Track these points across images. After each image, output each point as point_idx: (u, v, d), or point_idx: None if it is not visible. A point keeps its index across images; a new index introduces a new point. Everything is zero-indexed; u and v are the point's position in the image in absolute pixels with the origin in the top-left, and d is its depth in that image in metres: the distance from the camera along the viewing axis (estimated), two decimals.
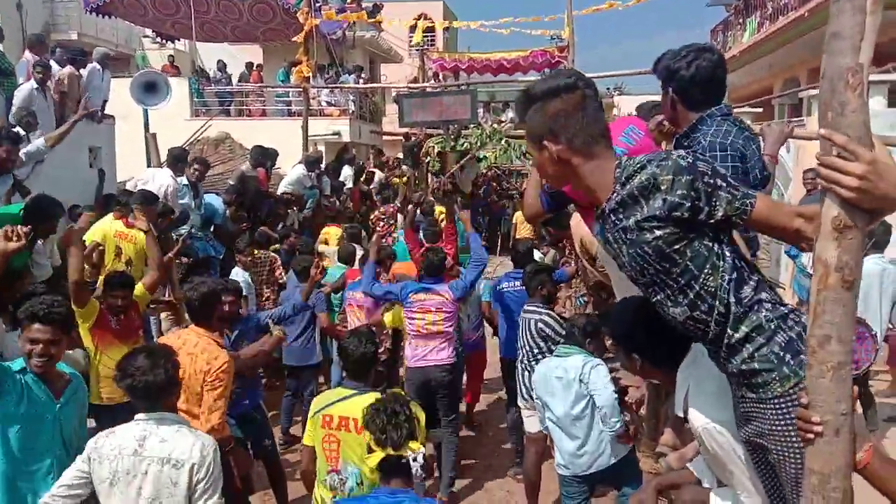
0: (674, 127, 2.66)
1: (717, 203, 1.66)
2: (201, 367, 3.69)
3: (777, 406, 1.68)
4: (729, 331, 1.72)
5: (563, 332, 4.61)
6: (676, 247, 1.70)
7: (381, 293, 5.54)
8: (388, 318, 5.88)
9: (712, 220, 1.68)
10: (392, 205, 10.80)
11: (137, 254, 6.03)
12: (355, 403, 3.18)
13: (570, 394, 4.01)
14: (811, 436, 1.46)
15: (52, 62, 8.69)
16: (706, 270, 1.71)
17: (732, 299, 1.71)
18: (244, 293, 6.23)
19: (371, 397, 3.10)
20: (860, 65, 1.35)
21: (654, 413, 4.80)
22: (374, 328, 5.43)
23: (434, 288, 5.29)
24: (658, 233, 1.69)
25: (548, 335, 4.87)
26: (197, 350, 3.74)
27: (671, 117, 2.58)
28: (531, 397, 4.70)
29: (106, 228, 6.10)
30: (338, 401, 3.29)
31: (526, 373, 4.89)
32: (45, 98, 8.12)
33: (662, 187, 1.66)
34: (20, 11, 17.27)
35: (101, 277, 5.87)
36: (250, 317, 4.94)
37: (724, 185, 1.67)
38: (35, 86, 7.88)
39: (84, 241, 6.00)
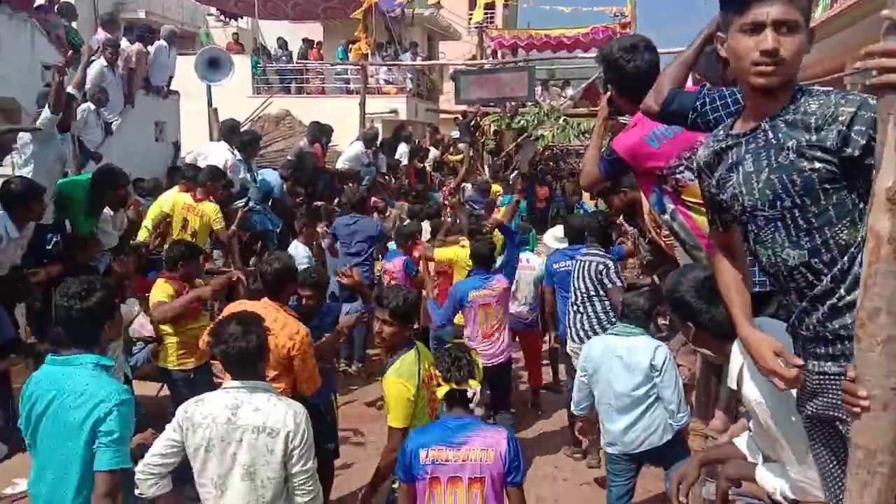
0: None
1: None
2: (283, 343, 3.71)
3: None
4: (842, 291, 1.64)
5: (621, 283, 4.67)
6: (827, 186, 1.62)
7: (448, 310, 5.28)
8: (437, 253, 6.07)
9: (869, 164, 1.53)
10: (448, 184, 10.85)
11: (203, 227, 6.30)
12: (426, 358, 3.33)
13: (633, 375, 3.83)
14: (857, 410, 1.42)
15: (122, 40, 8.99)
16: (845, 222, 1.63)
17: (858, 260, 1.61)
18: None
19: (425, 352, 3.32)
20: None
21: (705, 391, 4.69)
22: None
23: (489, 281, 5.19)
24: (818, 165, 1.61)
25: (604, 281, 4.84)
26: (277, 326, 3.72)
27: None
28: (579, 339, 4.81)
29: (175, 200, 6.33)
30: (418, 362, 3.37)
31: (579, 315, 4.93)
32: (115, 75, 8.43)
33: (841, 118, 1.58)
34: None
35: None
36: (330, 309, 4.72)
37: None
38: (105, 64, 8.19)
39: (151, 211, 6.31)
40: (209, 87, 10.09)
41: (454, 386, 2.93)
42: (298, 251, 6.54)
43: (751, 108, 1.79)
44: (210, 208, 6.31)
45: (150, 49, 9.52)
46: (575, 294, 5.02)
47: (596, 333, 4.72)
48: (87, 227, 5.50)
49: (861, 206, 1.62)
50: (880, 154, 1.38)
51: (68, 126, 5.96)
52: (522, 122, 14.28)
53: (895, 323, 1.38)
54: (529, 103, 13.72)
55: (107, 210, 5.64)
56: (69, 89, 5.99)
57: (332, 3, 17.04)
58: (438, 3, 16.37)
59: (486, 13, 17.80)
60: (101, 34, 9.20)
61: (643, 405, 3.85)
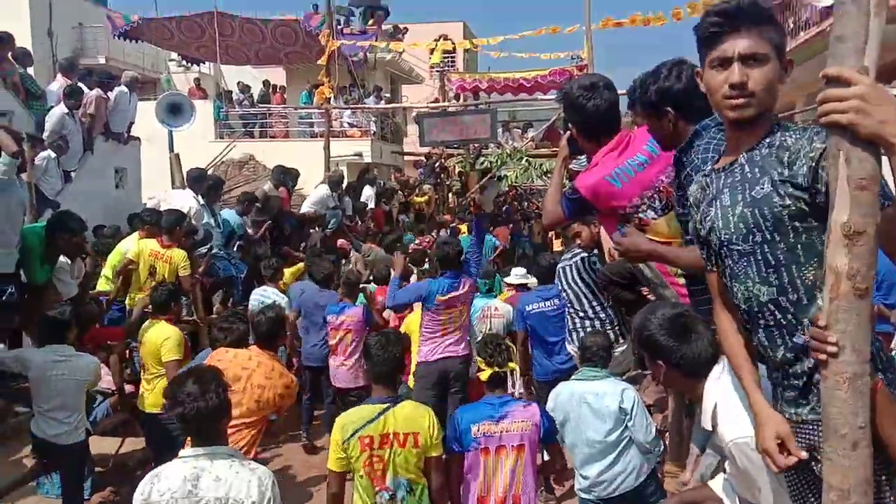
0: (665, 150, 2.57)
1: None
2: (282, 392, 3.82)
3: None
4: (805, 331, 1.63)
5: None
6: (797, 223, 1.63)
7: (407, 297, 5.54)
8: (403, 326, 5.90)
9: None
10: (427, 237, 10.82)
11: (171, 273, 6.15)
12: (394, 419, 3.11)
13: (604, 422, 3.75)
14: (823, 356, 1.41)
15: (81, 86, 8.90)
16: (812, 262, 1.62)
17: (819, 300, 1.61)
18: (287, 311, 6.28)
19: (408, 408, 3.17)
20: (865, 67, 1.33)
21: (678, 432, 4.69)
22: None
23: (457, 282, 5.38)
24: (788, 201, 1.62)
25: (588, 280, 4.64)
26: (274, 375, 3.83)
27: (669, 138, 2.48)
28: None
29: (141, 247, 6.19)
30: (370, 421, 3.12)
31: (577, 319, 4.67)
32: (75, 122, 8.34)
33: (812, 154, 1.58)
34: (51, 37, 17.74)
35: (135, 295, 6.06)
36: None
37: None
38: (66, 111, 8.10)
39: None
40: (171, 133, 10.03)
41: (496, 369, 3.47)
42: (281, 300, 6.37)
43: (730, 142, 1.82)
44: (178, 255, 6.21)
45: (111, 95, 9.45)
46: (566, 297, 4.80)
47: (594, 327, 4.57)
48: (43, 276, 5.34)
49: None
50: (834, 190, 1.40)
51: (24, 168, 5.84)
52: (486, 162, 14.43)
53: (860, 360, 1.38)
54: (492, 145, 13.89)
55: (64, 259, 5.50)
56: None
57: (294, 47, 17.17)
58: (401, 53, 16.60)
59: (445, 57, 18.10)
60: (61, 80, 9.11)
61: (616, 450, 3.77)
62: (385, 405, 3.15)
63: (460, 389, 5.35)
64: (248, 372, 3.78)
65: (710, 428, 2.02)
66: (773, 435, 1.69)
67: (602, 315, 4.64)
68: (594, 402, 3.77)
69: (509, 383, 3.72)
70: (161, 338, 4.64)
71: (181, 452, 2.58)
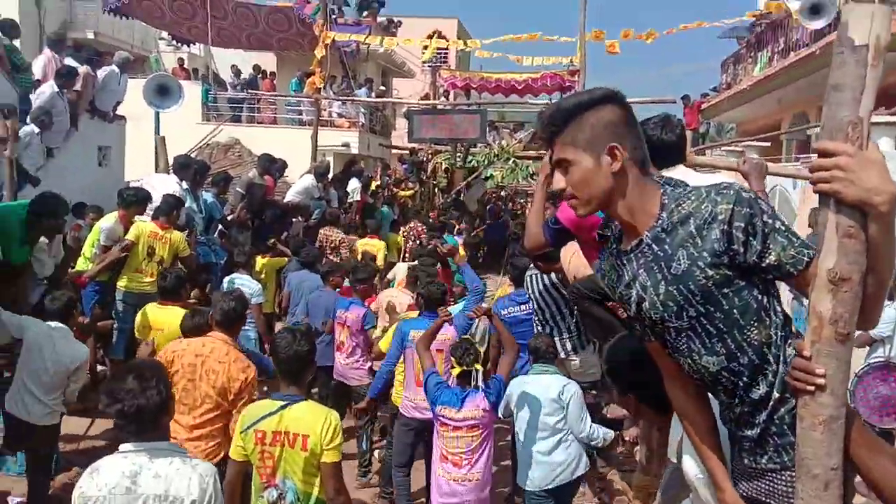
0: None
1: (773, 246, 1.54)
2: (235, 376, 3.74)
3: (792, 477, 1.57)
4: (774, 391, 1.62)
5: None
6: (725, 290, 1.59)
7: (390, 363, 5.22)
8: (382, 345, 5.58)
9: (763, 265, 1.55)
10: (416, 224, 10.85)
11: (170, 253, 6.31)
12: (289, 417, 3.03)
13: (543, 406, 4.29)
14: (810, 388, 1.43)
15: (75, 65, 8.77)
16: (752, 321, 1.61)
17: (781, 358, 1.62)
18: (258, 301, 6.31)
19: (304, 408, 3.04)
20: (860, 118, 1.36)
21: (647, 445, 4.76)
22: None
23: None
24: (710, 271, 1.57)
25: (559, 288, 4.86)
26: (229, 359, 3.78)
27: None
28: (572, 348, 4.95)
29: (141, 228, 6.28)
30: (267, 415, 3.08)
31: (538, 326, 5.00)
32: (63, 100, 8.22)
33: (720, 217, 1.55)
34: (39, 8, 17.46)
35: (128, 273, 6.16)
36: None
37: (783, 229, 1.56)
38: (56, 89, 7.98)
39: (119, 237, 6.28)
40: (157, 114, 9.91)
41: (465, 368, 4.39)
42: (253, 287, 6.35)
43: (623, 224, 1.76)
44: (177, 236, 6.37)
45: (99, 73, 9.31)
46: (538, 313, 5.02)
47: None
48: (22, 256, 5.25)
49: (765, 300, 1.62)
50: (821, 236, 1.43)
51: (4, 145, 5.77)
52: (473, 161, 14.48)
53: (837, 403, 1.41)
54: (481, 144, 13.93)
55: (42, 238, 5.42)
56: None
57: (287, 34, 17.04)
58: (393, 41, 16.55)
59: (438, 53, 18.08)
60: (48, 53, 8.97)
61: (555, 438, 4.29)
62: (284, 402, 3.08)
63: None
64: (202, 358, 3.77)
65: (674, 459, 2.02)
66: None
67: (561, 325, 4.98)
68: (538, 393, 4.35)
69: (473, 377, 4.47)
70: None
71: (121, 447, 2.50)
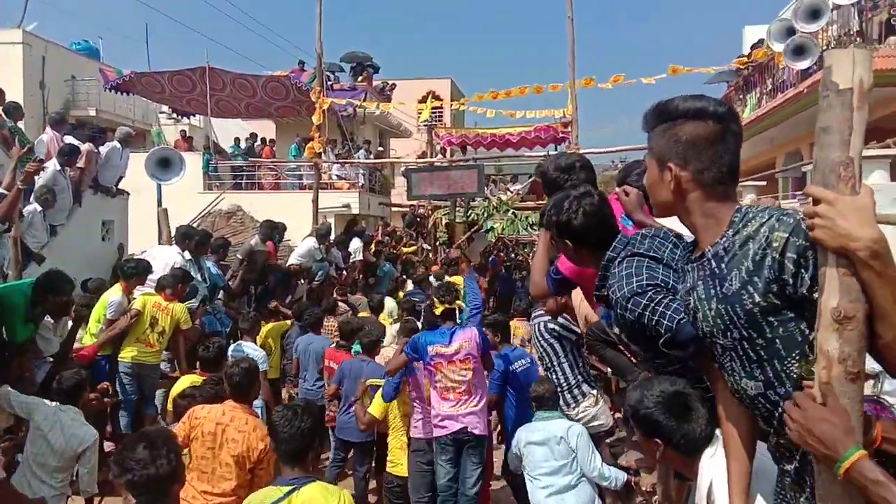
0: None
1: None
2: (255, 445, 3.74)
3: None
4: None
5: (574, 333, 4.73)
6: (771, 318, 1.56)
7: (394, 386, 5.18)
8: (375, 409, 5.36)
9: (811, 298, 1.50)
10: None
11: (171, 324, 6.48)
12: (299, 503, 2.75)
13: (552, 450, 4.29)
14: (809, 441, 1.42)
15: (76, 143, 8.93)
16: (794, 354, 1.56)
17: None
18: (263, 368, 6.27)
19: (315, 491, 2.77)
20: (850, 158, 1.38)
21: (666, 495, 4.66)
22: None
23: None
24: (757, 298, 1.55)
25: (561, 335, 4.80)
26: (248, 428, 3.78)
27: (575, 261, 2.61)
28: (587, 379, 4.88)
29: (145, 300, 6.47)
30: (275, 503, 2.79)
31: (564, 364, 4.84)
32: (66, 178, 8.36)
33: (774, 244, 1.52)
34: (42, 90, 17.90)
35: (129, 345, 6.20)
36: None
37: None
38: (58, 167, 8.13)
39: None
40: (159, 186, 10.06)
41: (447, 305, 4.85)
42: (258, 355, 6.33)
43: (694, 232, 1.79)
44: (179, 308, 6.54)
45: (102, 150, 9.49)
46: (543, 360, 4.98)
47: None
48: (25, 334, 5.23)
49: (811, 335, 1.55)
50: (823, 274, 1.42)
51: (8, 227, 5.84)
52: (473, 215, 14.62)
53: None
54: (479, 198, 14.08)
55: (47, 317, 5.43)
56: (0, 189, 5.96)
57: (285, 102, 17.42)
58: (388, 105, 16.91)
59: (433, 112, 18.44)
60: (50, 132, 9.16)
61: (566, 480, 4.27)
62: (290, 487, 2.78)
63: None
64: (223, 426, 3.77)
65: None
66: None
67: (560, 373, 4.84)
68: (545, 438, 4.33)
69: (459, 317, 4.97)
70: None
71: None
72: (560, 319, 4.90)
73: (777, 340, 1.58)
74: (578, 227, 2.45)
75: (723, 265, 1.63)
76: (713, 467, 1.95)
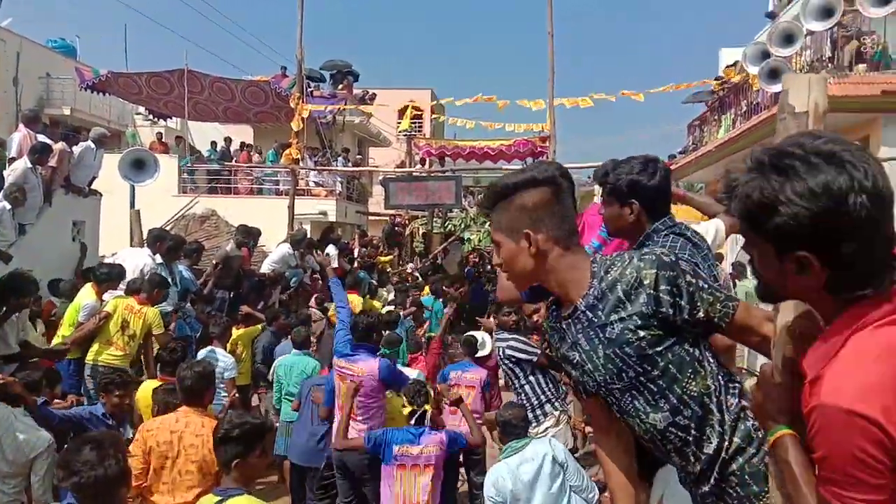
0: (624, 240, 2.63)
1: (700, 303, 1.64)
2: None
3: None
4: (725, 441, 1.66)
5: (531, 354, 4.94)
6: (658, 348, 1.65)
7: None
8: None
9: (693, 321, 1.64)
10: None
11: (143, 329, 6.32)
12: None
13: (545, 480, 3.92)
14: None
15: (48, 142, 8.81)
16: (688, 374, 1.66)
17: (724, 406, 1.67)
18: (231, 375, 6.21)
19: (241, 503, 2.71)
20: None
21: None
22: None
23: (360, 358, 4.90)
24: (641, 333, 1.64)
25: (519, 359, 4.96)
26: (206, 431, 3.60)
27: (630, 230, 2.51)
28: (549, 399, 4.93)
29: (117, 302, 6.33)
30: None
31: (526, 386, 5.00)
32: (37, 177, 8.24)
33: (646, 282, 1.63)
34: (16, 86, 17.65)
35: (100, 346, 6.09)
36: None
37: (706, 286, 1.66)
38: (29, 165, 8.01)
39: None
40: (132, 187, 9.94)
41: (415, 407, 4.53)
42: (227, 361, 6.26)
43: (559, 293, 1.84)
44: (152, 313, 6.39)
45: (75, 149, 9.37)
46: (505, 379, 5.18)
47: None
48: None
49: (696, 352, 1.68)
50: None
51: None
52: (450, 225, 14.70)
53: None
54: (456, 210, 14.15)
55: (14, 317, 5.34)
56: None
57: (264, 108, 17.36)
58: (369, 116, 16.93)
59: (413, 123, 18.51)
60: (24, 130, 9.02)
61: (562, 502, 3.94)
62: (218, 498, 2.77)
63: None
64: (178, 434, 3.64)
65: None
66: None
67: (530, 393, 4.98)
68: (532, 466, 3.92)
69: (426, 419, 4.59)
70: None
71: None
72: (515, 344, 5.02)
73: (670, 366, 1.67)
74: (652, 188, 2.43)
75: (599, 312, 1.70)
76: (667, 480, 1.98)
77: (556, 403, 5.02)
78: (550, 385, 5.03)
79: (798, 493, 1.25)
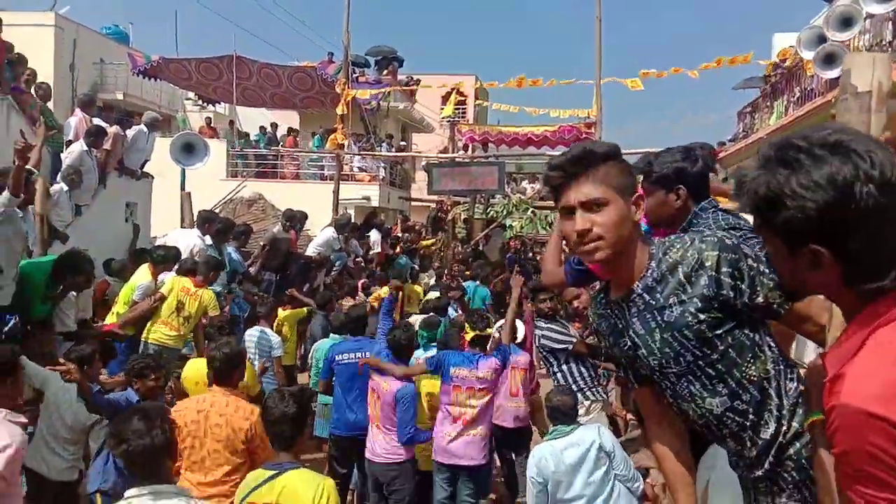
0: (665, 230, 2.60)
1: (760, 287, 1.60)
2: (240, 426, 3.64)
3: None
4: (783, 425, 1.63)
5: (566, 343, 4.99)
6: (718, 331, 1.62)
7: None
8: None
9: (752, 305, 1.61)
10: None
11: (198, 311, 6.36)
12: (279, 487, 2.87)
13: (589, 467, 3.91)
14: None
15: (104, 126, 9.06)
16: (748, 358, 1.63)
17: (783, 391, 1.64)
18: (277, 354, 6.34)
19: (295, 477, 2.88)
20: None
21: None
22: None
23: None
24: (702, 316, 1.61)
25: (553, 348, 5.04)
26: (229, 410, 3.69)
27: (673, 217, 2.52)
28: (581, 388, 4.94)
29: (174, 283, 6.39)
30: (257, 486, 2.94)
31: (559, 374, 5.08)
32: (92, 159, 8.48)
33: (707, 263, 1.60)
34: (72, 72, 18.17)
35: (154, 325, 6.21)
36: None
37: (768, 270, 1.60)
38: (85, 148, 8.25)
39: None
40: (183, 171, 10.18)
41: (478, 332, 4.87)
42: (274, 340, 6.40)
43: (612, 278, 1.80)
44: (208, 295, 6.42)
45: (128, 133, 9.62)
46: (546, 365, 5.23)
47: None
48: (42, 311, 5.32)
49: (756, 336, 1.65)
50: None
51: (30, 201, 5.87)
52: (492, 212, 14.63)
53: None
54: (499, 196, 14.08)
55: (72, 294, 5.53)
56: (29, 166, 5.99)
57: (310, 93, 17.53)
58: (414, 100, 16.94)
59: (457, 109, 18.46)
60: (79, 114, 9.30)
61: (605, 491, 3.89)
62: (273, 472, 2.93)
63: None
64: (204, 414, 3.69)
65: None
66: None
67: (561, 382, 5.02)
68: (578, 451, 3.92)
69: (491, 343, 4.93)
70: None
71: (126, 493, 2.51)
72: (549, 333, 5.11)
73: (730, 350, 1.64)
74: (696, 174, 2.45)
75: (658, 295, 1.67)
76: (711, 472, 1.96)
77: (588, 392, 5.02)
78: (585, 373, 5.05)
79: (824, 478, 1.26)
